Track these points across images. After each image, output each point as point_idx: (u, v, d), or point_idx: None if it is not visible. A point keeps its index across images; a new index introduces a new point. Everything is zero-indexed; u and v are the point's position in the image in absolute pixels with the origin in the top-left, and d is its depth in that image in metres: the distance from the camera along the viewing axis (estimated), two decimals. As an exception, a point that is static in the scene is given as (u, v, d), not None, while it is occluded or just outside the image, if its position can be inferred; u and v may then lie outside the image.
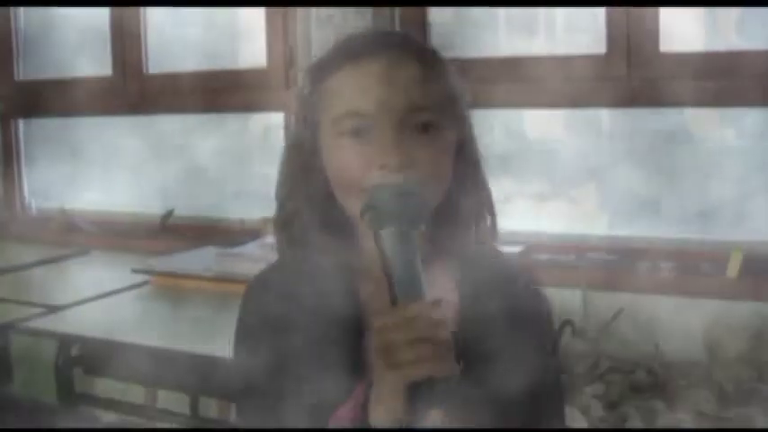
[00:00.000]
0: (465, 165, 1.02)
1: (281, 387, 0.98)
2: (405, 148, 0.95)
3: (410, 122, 0.96)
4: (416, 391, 0.84)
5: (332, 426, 0.92)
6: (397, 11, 2.42)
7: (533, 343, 0.99)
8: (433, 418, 0.85)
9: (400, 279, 0.88)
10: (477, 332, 1.00)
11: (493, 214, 1.06)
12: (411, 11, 2.43)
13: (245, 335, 1.05)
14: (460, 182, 1.01)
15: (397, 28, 2.41)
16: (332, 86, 0.99)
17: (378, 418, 0.88)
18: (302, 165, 1.02)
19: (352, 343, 0.95)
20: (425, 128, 0.97)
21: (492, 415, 0.94)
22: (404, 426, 0.86)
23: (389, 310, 0.88)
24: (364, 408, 0.89)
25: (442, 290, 1.00)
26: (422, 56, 1.00)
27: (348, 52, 1.00)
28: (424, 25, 2.46)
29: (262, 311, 1.04)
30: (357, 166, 0.96)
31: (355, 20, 2.35)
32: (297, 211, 1.03)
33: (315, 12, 2.41)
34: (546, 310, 1.09)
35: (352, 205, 0.97)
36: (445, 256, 1.03)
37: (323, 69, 1.01)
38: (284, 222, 1.05)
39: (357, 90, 0.97)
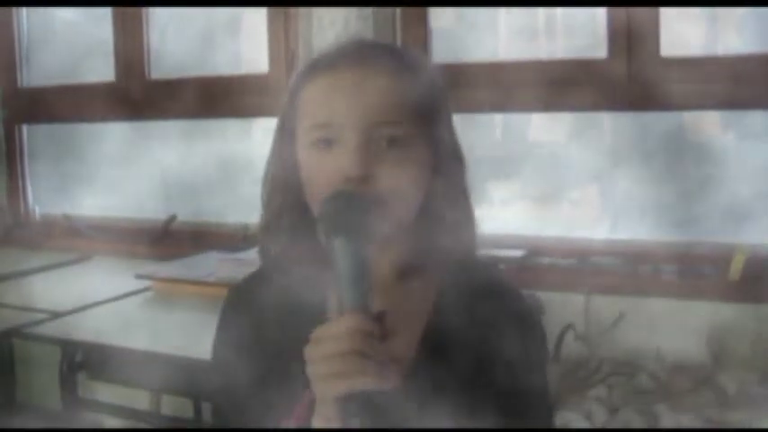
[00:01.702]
0: (443, 177, 1.00)
1: (247, 394, 0.99)
2: (369, 161, 0.94)
3: (377, 136, 0.95)
4: (348, 404, 0.83)
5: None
6: (399, 17, 2.42)
7: (511, 356, 0.97)
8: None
9: (344, 290, 0.87)
10: (448, 344, 0.98)
11: (472, 226, 1.04)
12: (413, 17, 2.43)
13: (218, 342, 1.08)
14: (439, 194, 1.00)
15: (399, 33, 2.41)
16: (306, 97, 1.00)
17: (317, 427, 0.88)
18: (282, 173, 1.03)
19: None
20: (393, 142, 0.96)
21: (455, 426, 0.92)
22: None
23: (332, 322, 0.87)
24: (307, 418, 0.89)
25: (418, 302, 1.01)
26: (398, 69, 0.98)
27: (323, 63, 1.00)
28: (425, 30, 2.46)
29: (234, 320, 1.07)
30: (323, 176, 0.96)
31: (357, 25, 2.34)
32: (274, 218, 1.04)
33: (316, 17, 2.41)
34: (529, 322, 1.04)
35: None
36: (424, 267, 1.03)
37: (301, 79, 1.02)
38: (263, 229, 1.06)
39: (326, 101, 0.97)
